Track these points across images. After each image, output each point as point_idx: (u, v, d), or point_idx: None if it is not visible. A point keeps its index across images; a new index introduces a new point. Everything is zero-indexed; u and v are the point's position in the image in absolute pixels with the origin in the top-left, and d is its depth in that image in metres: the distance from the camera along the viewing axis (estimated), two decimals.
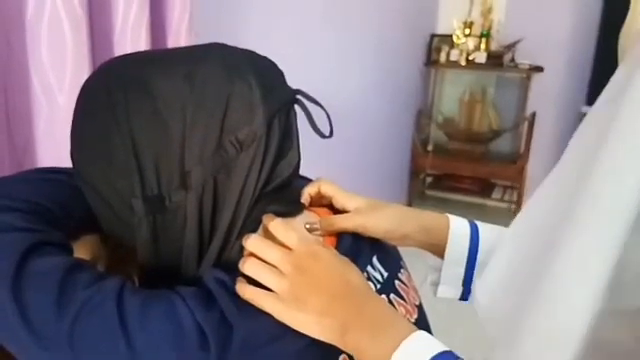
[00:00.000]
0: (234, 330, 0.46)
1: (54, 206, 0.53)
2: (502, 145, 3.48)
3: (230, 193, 0.50)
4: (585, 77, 3.30)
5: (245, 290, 0.48)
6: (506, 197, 3.52)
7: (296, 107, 0.57)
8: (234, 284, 0.48)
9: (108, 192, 0.51)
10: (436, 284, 0.68)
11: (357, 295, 0.50)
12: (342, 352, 0.51)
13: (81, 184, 0.53)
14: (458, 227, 0.65)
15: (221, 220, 0.51)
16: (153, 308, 0.45)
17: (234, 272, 0.50)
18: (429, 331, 0.61)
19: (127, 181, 0.49)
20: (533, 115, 3.31)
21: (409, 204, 3.48)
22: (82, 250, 0.56)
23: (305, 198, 0.61)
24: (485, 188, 3.54)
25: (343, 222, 0.60)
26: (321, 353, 0.49)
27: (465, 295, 0.67)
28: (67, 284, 0.45)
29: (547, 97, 3.40)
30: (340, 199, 0.63)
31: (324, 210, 0.63)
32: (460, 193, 3.53)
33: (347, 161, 2.40)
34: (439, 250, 0.65)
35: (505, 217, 3.35)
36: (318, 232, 0.58)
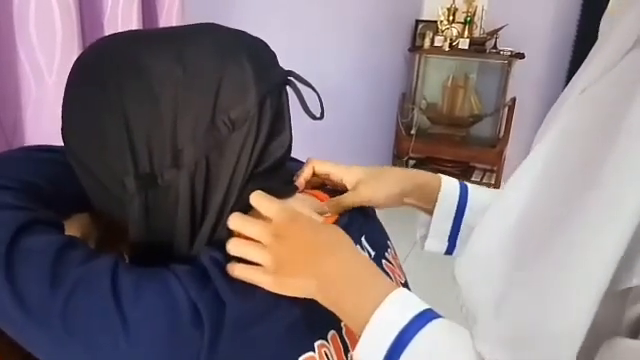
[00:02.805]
0: (227, 308, 0.46)
1: (45, 184, 0.53)
2: (482, 130, 3.51)
3: (222, 172, 0.51)
4: (565, 64, 3.33)
5: (233, 268, 0.49)
6: (485, 180, 3.57)
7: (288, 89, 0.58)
8: (224, 261, 0.49)
9: (100, 170, 0.51)
10: (424, 237, 0.71)
11: (338, 252, 0.51)
12: (332, 327, 0.52)
13: (73, 162, 0.53)
14: (448, 185, 0.68)
15: (213, 199, 0.51)
16: (147, 285, 0.46)
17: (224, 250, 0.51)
18: None
19: (119, 159, 0.49)
20: (513, 100, 3.36)
21: None
22: (73, 228, 0.56)
23: (300, 183, 0.63)
24: (465, 171, 3.58)
25: (350, 200, 0.63)
26: (312, 326, 0.51)
27: (450, 250, 0.70)
28: (60, 262, 0.45)
29: (527, 83, 3.44)
30: (338, 173, 0.65)
31: (319, 192, 0.64)
32: None
33: (332, 144, 2.42)
34: (430, 207, 0.68)
35: None
36: (328, 214, 0.60)
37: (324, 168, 0.66)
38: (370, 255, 0.62)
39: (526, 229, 0.43)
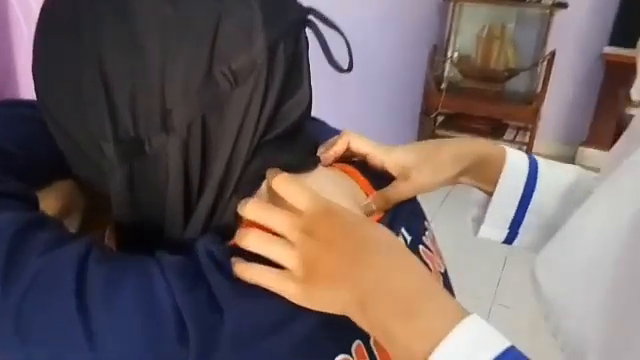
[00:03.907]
0: (225, 316, 0.37)
1: (15, 147, 0.46)
2: (518, 85, 3.35)
3: (223, 138, 0.41)
4: (609, 17, 3.13)
5: (246, 270, 0.39)
6: (518, 138, 3.43)
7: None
8: (224, 255, 0.40)
9: (76, 130, 0.42)
10: (478, 221, 0.60)
11: (382, 257, 0.40)
12: (356, 336, 0.42)
13: (48, 121, 0.45)
14: (515, 162, 0.56)
15: (212, 171, 0.42)
16: (123, 284, 0.37)
17: (227, 239, 0.42)
18: None
19: (96, 120, 0.40)
20: (552, 54, 3.17)
21: None
22: (52, 198, 0.49)
23: (328, 159, 0.52)
24: (497, 129, 3.44)
25: (400, 193, 0.52)
26: (332, 337, 0.41)
27: (510, 239, 0.59)
28: (18, 249, 0.37)
29: (568, 36, 3.26)
30: (379, 156, 0.54)
31: (349, 167, 0.53)
32: (471, 133, 3.43)
33: (356, 97, 2.31)
34: (490, 188, 0.57)
35: None
36: (374, 213, 0.49)
37: (362, 147, 0.54)
38: (406, 241, 0.52)
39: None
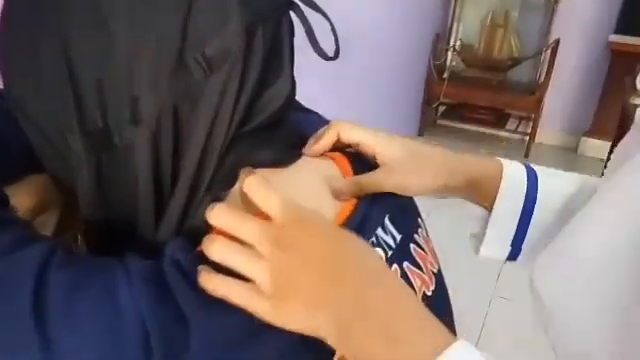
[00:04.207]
0: (190, 327, 0.34)
1: None
2: (521, 74, 3.31)
3: (195, 130, 0.39)
4: (615, 4, 3.08)
5: (210, 281, 0.36)
6: (520, 128, 3.40)
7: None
8: (192, 264, 0.37)
9: (42, 120, 0.39)
10: (478, 238, 0.57)
11: (361, 275, 0.37)
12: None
13: (14, 111, 0.42)
14: (512, 177, 0.53)
15: (184, 166, 0.39)
16: (85, 292, 0.34)
17: (200, 243, 0.39)
18: (447, 303, 0.52)
19: (61, 107, 0.37)
20: (557, 42, 3.12)
21: (420, 134, 3.39)
22: (25, 194, 0.46)
23: (316, 153, 0.49)
24: (500, 118, 3.41)
25: (377, 182, 0.48)
26: (313, 348, 0.38)
27: (513, 255, 0.57)
28: None
29: (573, 24, 3.20)
30: (371, 144, 0.50)
31: (338, 155, 0.50)
32: (473, 123, 3.40)
33: (356, 87, 2.27)
34: (487, 204, 0.54)
35: (517, 149, 3.28)
36: (344, 197, 0.46)
37: (353, 135, 0.50)
38: (395, 239, 0.49)
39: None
